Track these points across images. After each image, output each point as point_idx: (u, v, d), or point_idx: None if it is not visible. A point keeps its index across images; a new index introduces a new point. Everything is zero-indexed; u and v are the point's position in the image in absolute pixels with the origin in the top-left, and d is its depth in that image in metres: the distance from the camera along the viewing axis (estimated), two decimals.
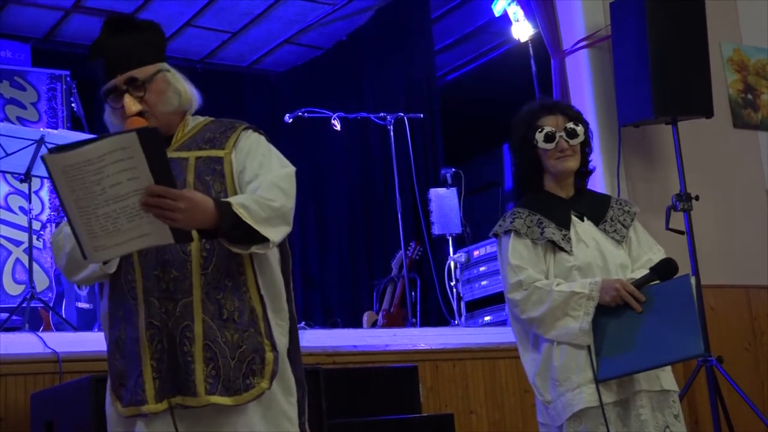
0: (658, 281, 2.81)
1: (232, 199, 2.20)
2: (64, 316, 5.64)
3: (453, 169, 6.69)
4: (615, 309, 2.80)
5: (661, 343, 2.72)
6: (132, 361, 2.25)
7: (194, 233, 2.17)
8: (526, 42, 6.10)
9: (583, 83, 5.40)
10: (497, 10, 6.24)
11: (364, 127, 7.52)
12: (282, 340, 2.32)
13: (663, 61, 4.86)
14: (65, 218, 2.12)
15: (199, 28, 7.92)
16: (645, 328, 2.75)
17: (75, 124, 6.67)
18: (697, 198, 4.81)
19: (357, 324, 6.98)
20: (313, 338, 4.58)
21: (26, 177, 5.32)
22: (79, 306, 6.03)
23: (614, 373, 2.76)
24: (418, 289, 6.80)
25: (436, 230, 6.50)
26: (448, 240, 6.47)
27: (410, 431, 3.91)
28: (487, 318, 6.01)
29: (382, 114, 6.40)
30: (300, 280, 8.27)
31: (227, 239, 2.19)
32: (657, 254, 2.97)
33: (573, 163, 2.98)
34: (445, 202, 6.48)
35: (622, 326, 2.79)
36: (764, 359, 5.44)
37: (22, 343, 3.89)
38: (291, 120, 6.38)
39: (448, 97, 8.09)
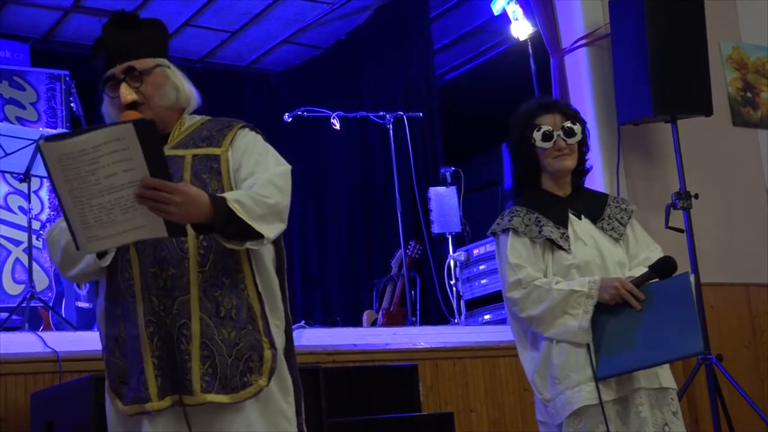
0: (657, 279, 2.82)
1: (227, 195, 2.20)
2: (63, 315, 5.64)
3: (452, 168, 6.70)
4: (614, 307, 2.80)
5: (661, 341, 2.72)
6: (133, 358, 2.25)
7: (188, 227, 2.16)
8: (525, 41, 6.10)
9: (582, 82, 5.40)
10: (496, 8, 6.24)
11: (364, 127, 7.52)
12: (279, 339, 2.32)
13: (662, 60, 4.86)
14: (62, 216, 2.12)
15: (198, 28, 7.92)
16: (644, 326, 2.75)
17: (74, 124, 6.66)
18: (696, 196, 4.80)
19: (357, 323, 6.98)
20: (313, 337, 4.58)
21: (25, 177, 5.33)
22: (79, 305, 6.04)
23: (614, 371, 2.76)
24: (418, 288, 6.80)
25: (435, 229, 6.50)
26: (447, 239, 6.48)
27: (410, 430, 3.91)
28: (486, 316, 6.01)
29: (382, 113, 6.40)
30: (300, 279, 8.28)
31: (221, 234, 2.18)
32: (654, 252, 2.98)
33: (571, 162, 2.98)
34: (444, 201, 6.49)
35: (622, 324, 2.79)
36: (764, 357, 5.44)
37: (22, 343, 3.90)
38: (290, 119, 6.38)
39: (448, 96, 8.10)
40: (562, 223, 2.94)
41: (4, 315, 5.21)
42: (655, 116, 4.94)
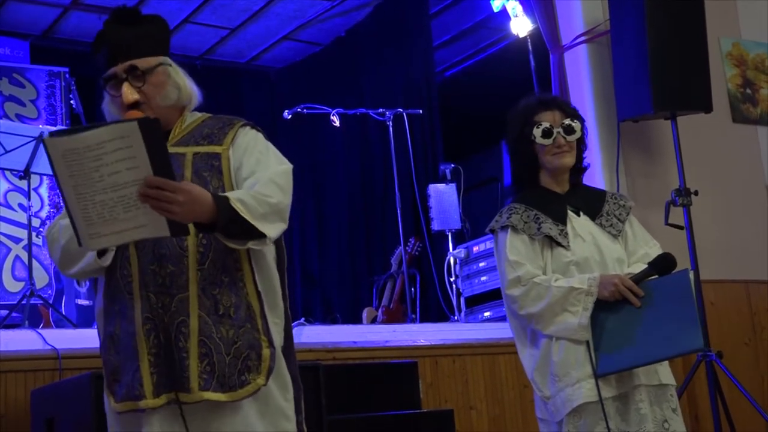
0: (656, 276, 2.82)
1: (229, 194, 2.19)
2: (63, 312, 5.65)
3: (452, 165, 6.69)
4: (614, 304, 2.80)
5: (661, 338, 2.72)
6: (128, 356, 2.24)
7: (191, 227, 2.16)
8: (525, 37, 6.11)
9: (582, 78, 5.39)
10: (496, 5, 6.25)
11: (363, 123, 7.52)
12: (277, 338, 2.31)
13: (662, 56, 4.86)
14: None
15: (198, 25, 7.92)
16: (644, 323, 2.75)
17: (74, 121, 6.66)
18: (696, 193, 4.81)
19: (357, 320, 6.98)
20: (313, 334, 4.58)
21: (25, 174, 5.33)
22: (79, 303, 6.04)
23: (613, 368, 2.76)
24: (418, 285, 6.80)
25: (435, 226, 6.50)
26: (447, 236, 6.48)
27: (410, 427, 3.91)
28: (486, 313, 6.02)
29: (381, 110, 6.39)
30: (300, 276, 8.28)
31: (224, 234, 2.18)
32: (653, 248, 2.98)
33: (570, 159, 2.98)
34: (444, 198, 6.48)
35: (621, 321, 2.79)
36: (764, 354, 5.44)
37: (21, 340, 3.90)
38: (290, 116, 6.37)
39: (447, 92, 8.09)
40: (561, 219, 2.94)
41: (4, 312, 5.21)
42: (654, 113, 4.94)
